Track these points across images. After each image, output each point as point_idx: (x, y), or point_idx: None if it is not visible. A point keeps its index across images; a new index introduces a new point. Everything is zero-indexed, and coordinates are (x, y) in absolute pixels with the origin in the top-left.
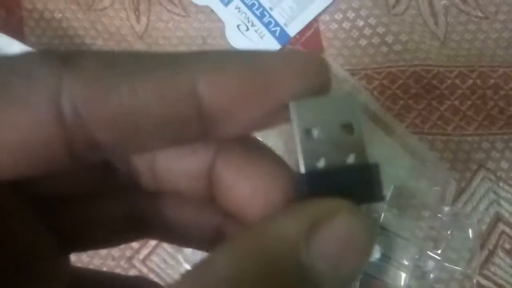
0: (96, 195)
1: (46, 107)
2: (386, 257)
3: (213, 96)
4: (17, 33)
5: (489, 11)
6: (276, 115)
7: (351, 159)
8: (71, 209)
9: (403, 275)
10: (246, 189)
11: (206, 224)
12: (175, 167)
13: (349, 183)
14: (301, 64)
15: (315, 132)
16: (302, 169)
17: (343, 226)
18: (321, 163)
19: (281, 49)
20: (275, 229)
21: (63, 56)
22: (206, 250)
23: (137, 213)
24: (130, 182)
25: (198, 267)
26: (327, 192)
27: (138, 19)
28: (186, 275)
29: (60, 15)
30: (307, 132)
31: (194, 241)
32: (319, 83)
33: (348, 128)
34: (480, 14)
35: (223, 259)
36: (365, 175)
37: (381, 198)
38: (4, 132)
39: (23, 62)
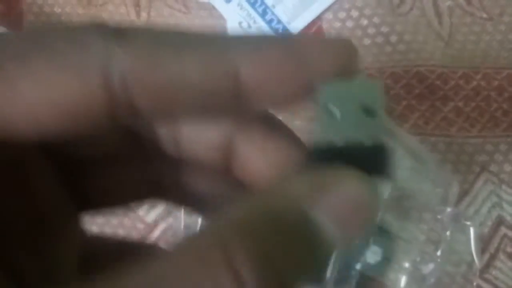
0: (118, 158)
1: (95, 72)
2: (386, 259)
3: (252, 76)
4: (17, 27)
5: (493, 13)
6: (302, 94)
7: (367, 140)
8: (91, 170)
9: (403, 278)
10: (262, 162)
11: (220, 194)
12: (197, 137)
13: (362, 160)
14: (333, 48)
15: (337, 112)
16: (319, 143)
17: (350, 188)
18: (338, 140)
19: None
20: (283, 189)
21: (116, 29)
22: None
23: (156, 178)
24: (153, 148)
25: (213, 219)
26: (340, 166)
27: (138, 15)
28: (204, 225)
29: (59, 9)
30: (329, 111)
31: (205, 209)
32: (347, 67)
33: (369, 112)
34: (484, 15)
35: (235, 212)
36: (377, 156)
37: (390, 176)
38: (54, 93)
39: (80, 32)
